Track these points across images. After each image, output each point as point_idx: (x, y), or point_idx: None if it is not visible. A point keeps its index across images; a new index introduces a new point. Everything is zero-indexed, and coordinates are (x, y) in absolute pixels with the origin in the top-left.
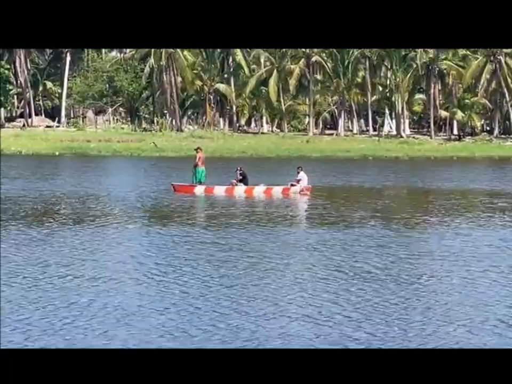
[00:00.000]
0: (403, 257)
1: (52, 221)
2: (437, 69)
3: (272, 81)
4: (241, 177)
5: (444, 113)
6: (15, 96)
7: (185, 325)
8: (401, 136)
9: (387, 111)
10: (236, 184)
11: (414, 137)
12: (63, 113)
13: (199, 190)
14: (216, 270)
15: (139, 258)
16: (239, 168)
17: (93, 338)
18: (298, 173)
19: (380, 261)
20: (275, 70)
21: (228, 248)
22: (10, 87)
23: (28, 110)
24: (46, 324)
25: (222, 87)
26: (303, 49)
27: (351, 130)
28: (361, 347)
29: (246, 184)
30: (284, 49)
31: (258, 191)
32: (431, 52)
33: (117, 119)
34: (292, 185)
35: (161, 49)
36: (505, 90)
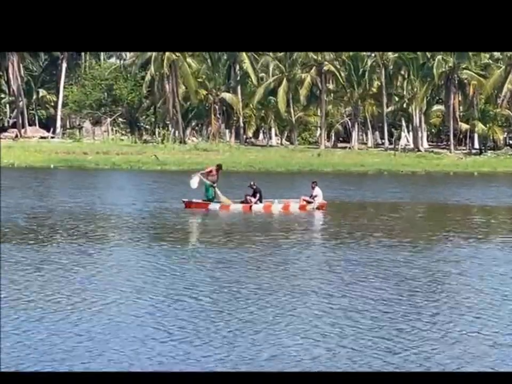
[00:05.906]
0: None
1: (49, 240)
2: (457, 78)
3: (281, 91)
4: (257, 194)
5: (464, 126)
6: (7, 105)
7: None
8: (419, 150)
9: (404, 123)
10: (255, 202)
11: (432, 151)
12: (58, 123)
13: (214, 207)
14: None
15: (147, 277)
16: (252, 184)
17: (87, 360)
18: (313, 188)
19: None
20: (285, 79)
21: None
22: (2, 96)
23: (21, 120)
24: (42, 345)
25: (228, 96)
26: (315, 57)
27: (366, 144)
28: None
29: (260, 200)
30: (294, 57)
31: (277, 207)
32: (451, 61)
33: (116, 130)
34: (306, 201)
35: (163, 56)
36: None
